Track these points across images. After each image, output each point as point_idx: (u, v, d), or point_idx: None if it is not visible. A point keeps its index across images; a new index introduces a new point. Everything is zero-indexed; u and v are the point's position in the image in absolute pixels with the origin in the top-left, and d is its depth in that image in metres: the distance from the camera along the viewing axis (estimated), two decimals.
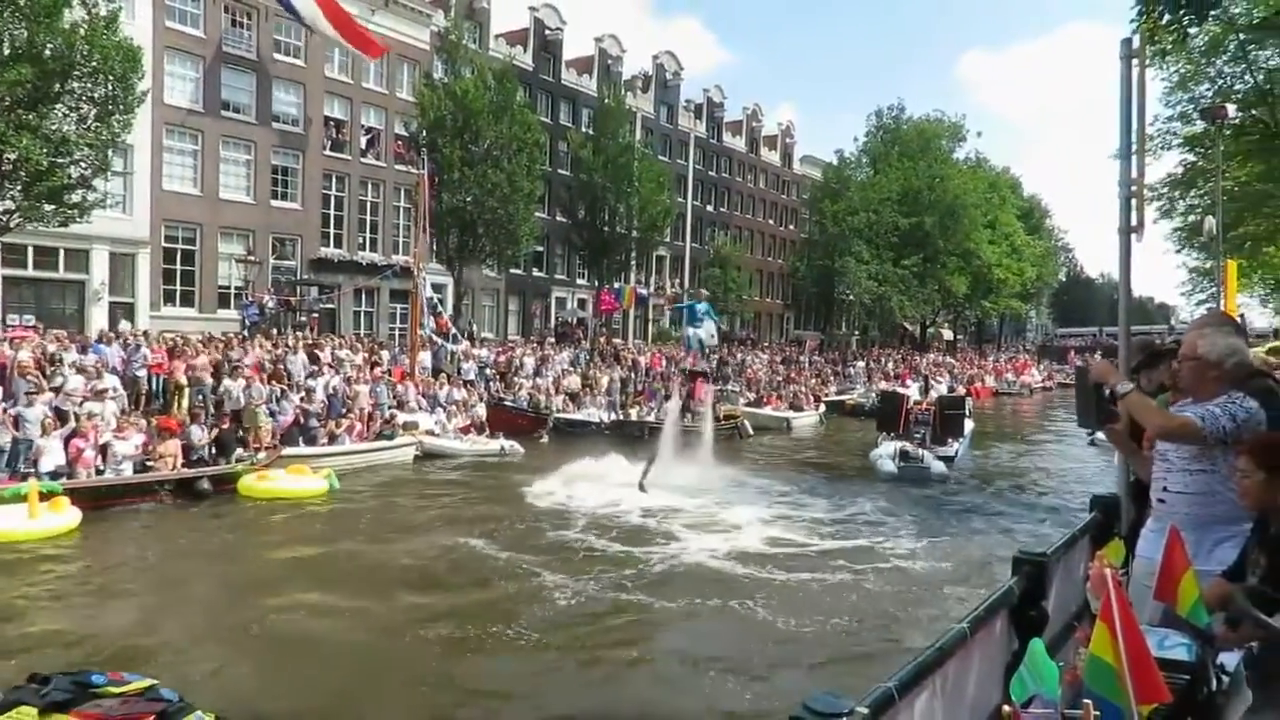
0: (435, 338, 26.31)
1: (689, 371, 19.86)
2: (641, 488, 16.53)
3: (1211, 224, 18.31)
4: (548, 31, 42.05)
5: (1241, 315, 36.11)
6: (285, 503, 15.03)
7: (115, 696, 5.12)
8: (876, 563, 12.00)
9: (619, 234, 39.64)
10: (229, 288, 29.31)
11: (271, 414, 18.21)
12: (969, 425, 25.11)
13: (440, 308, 28.79)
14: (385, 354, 24.93)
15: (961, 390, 38.27)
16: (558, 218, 41.51)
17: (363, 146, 33.72)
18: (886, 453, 20.66)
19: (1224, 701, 2.39)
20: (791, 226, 60.96)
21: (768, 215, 59.44)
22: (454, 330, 27.68)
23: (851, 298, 55.29)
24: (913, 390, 28.94)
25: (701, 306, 19.61)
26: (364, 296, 33.23)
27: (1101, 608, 1.83)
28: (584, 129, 41.52)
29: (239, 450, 16.64)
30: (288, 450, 17.18)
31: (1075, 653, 2.60)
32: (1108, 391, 3.70)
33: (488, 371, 27.10)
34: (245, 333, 23.63)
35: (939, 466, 20.02)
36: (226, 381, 18.34)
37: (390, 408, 21.03)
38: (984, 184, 62.82)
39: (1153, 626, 2.65)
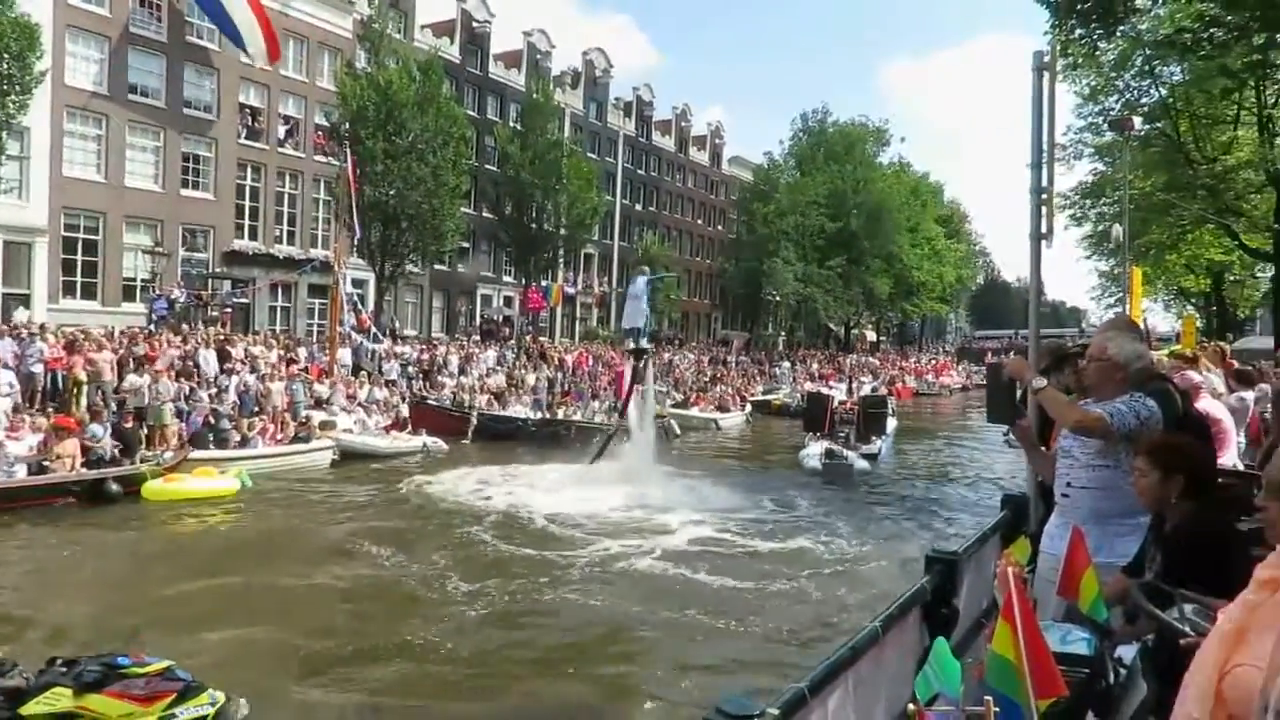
0: (356, 335, 25.76)
1: (635, 350, 19.60)
2: (593, 460, 16.63)
3: (1118, 232, 19.18)
4: (475, 24, 41.59)
5: (1145, 319, 38.02)
6: (193, 505, 14.50)
7: (140, 676, 5.55)
8: (802, 562, 12.16)
9: (546, 231, 39.46)
10: (134, 280, 28.17)
11: (179, 413, 17.57)
12: (891, 423, 25.94)
13: (361, 304, 28.22)
14: (302, 351, 24.38)
15: (884, 390, 39.21)
16: (484, 214, 41.09)
17: (281, 136, 32.81)
18: (813, 451, 21.21)
19: (1120, 694, 2.50)
20: (720, 227, 61.57)
21: (696, 215, 59.91)
22: (375, 328, 27.15)
23: (778, 298, 56.21)
24: (838, 390, 29.70)
25: (641, 280, 19.32)
26: (280, 291, 32.33)
27: (1003, 606, 1.89)
28: (512, 124, 41.20)
29: (143, 451, 15.99)
30: (196, 452, 16.57)
31: (984, 649, 2.67)
32: (1020, 388, 3.83)
33: (410, 370, 26.69)
34: (152, 327, 22.73)
35: (862, 463, 20.67)
36: (131, 377, 17.62)
37: (306, 407, 20.50)
38: (907, 188, 64.56)
39: (1055, 622, 2.75)
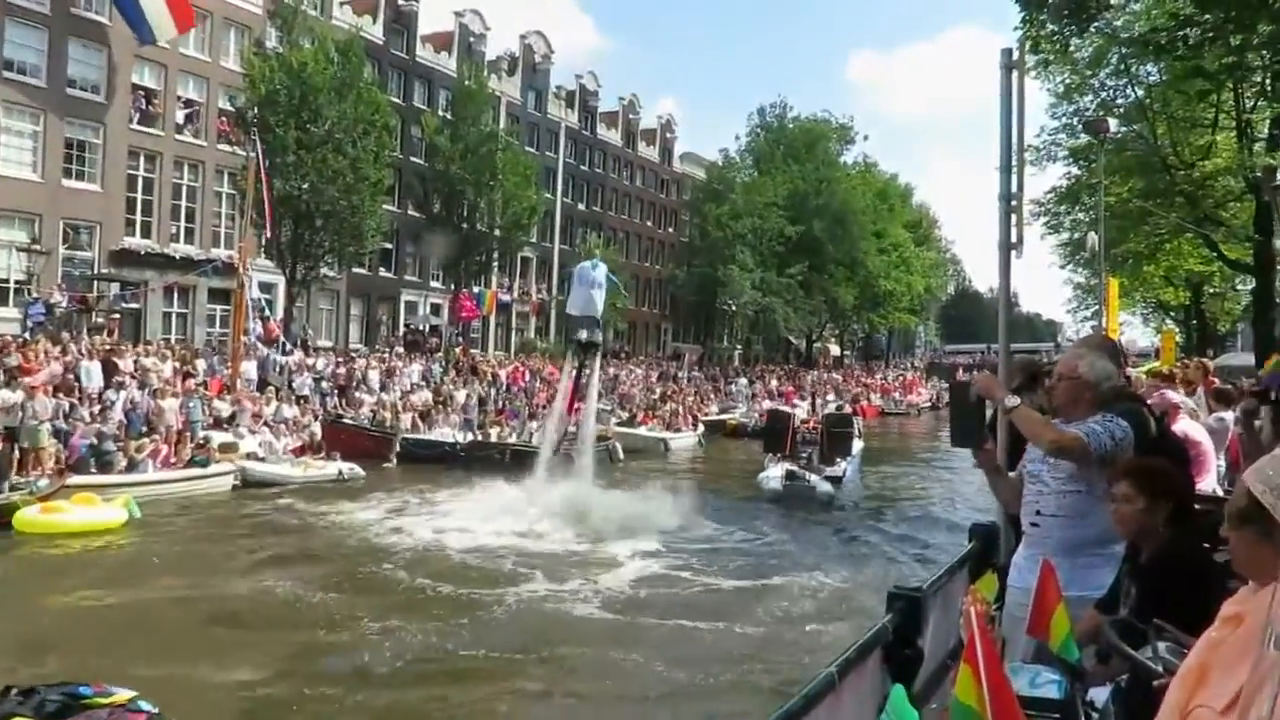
0: (262, 345, 25.35)
1: (582, 343, 19.47)
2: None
3: (1094, 240, 19.77)
4: (401, 1, 41.35)
5: (1122, 333, 39.16)
6: (73, 539, 14.05)
7: (103, 707, 5.85)
8: (759, 599, 12.25)
9: (479, 232, 39.28)
10: (8, 282, 27.29)
11: (57, 434, 17.04)
12: (858, 445, 26.39)
13: (269, 311, 27.75)
14: (201, 364, 23.97)
15: (848, 409, 39.74)
16: (409, 212, 40.76)
17: (179, 122, 32.15)
18: (773, 473, 21.59)
19: None
20: (670, 229, 61.92)
21: (645, 216, 60.19)
22: (284, 338, 26.68)
23: (734, 308, 56.72)
24: (800, 409, 30.24)
25: (602, 269, 19.29)
26: (177, 295, 31.60)
27: (966, 648, 1.92)
28: (441, 113, 40.97)
29: (14, 477, 15.47)
30: (76, 478, 16.08)
31: (949, 694, 2.71)
32: (991, 408, 3.90)
33: (325, 385, 26.41)
34: (27, 335, 22.02)
35: (825, 487, 21.03)
36: (2, 393, 17.04)
37: (204, 427, 20.06)
38: (873, 190, 65.71)
39: (1024, 664, 2.80)
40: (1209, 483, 5.55)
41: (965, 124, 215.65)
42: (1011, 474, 4.01)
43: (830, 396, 43.52)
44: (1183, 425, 5.71)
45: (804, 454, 22.86)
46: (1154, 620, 2.55)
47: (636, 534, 15.70)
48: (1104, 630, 2.76)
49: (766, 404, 39.83)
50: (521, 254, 47.58)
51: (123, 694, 6.05)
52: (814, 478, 21.36)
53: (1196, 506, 4.79)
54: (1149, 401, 4.58)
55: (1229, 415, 7.89)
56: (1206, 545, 3.53)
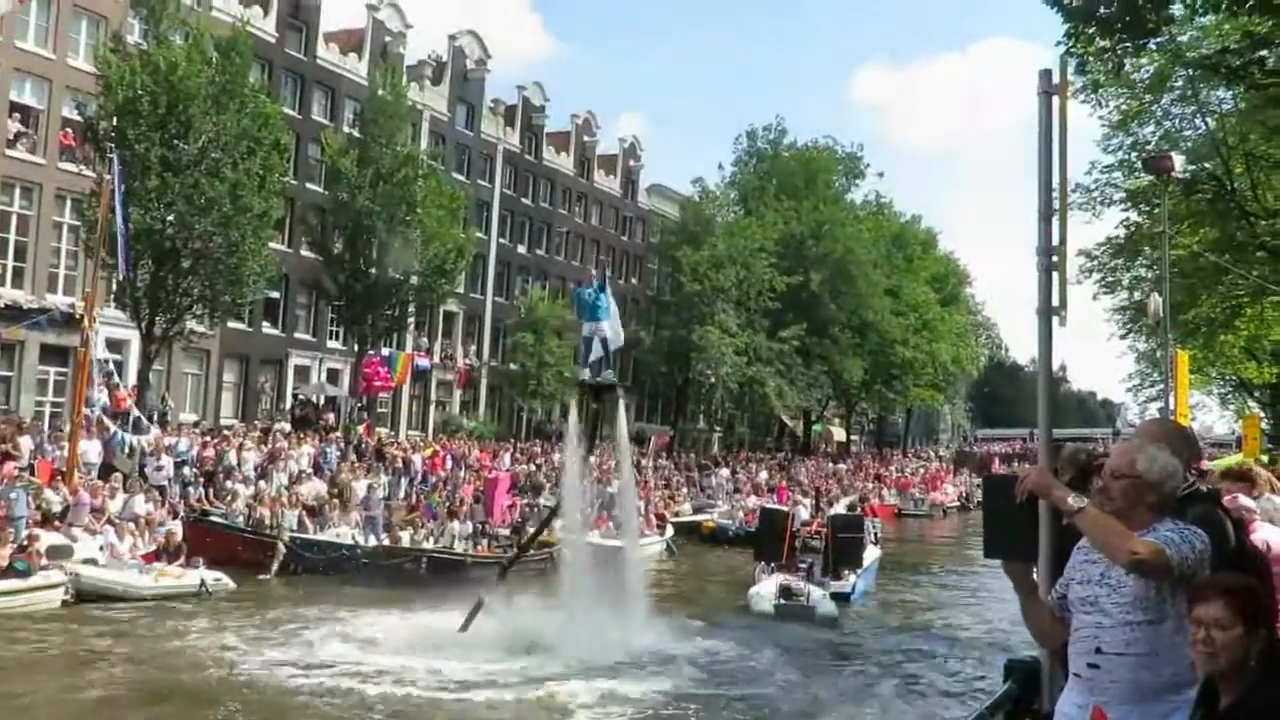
0: (108, 420, 25.00)
1: (589, 385, 19.38)
2: (465, 626, 16.93)
3: (1157, 303, 20.20)
4: None
5: (1194, 418, 39.73)
6: None
7: None
8: None
9: (392, 279, 39.22)
10: None
11: None
12: (872, 553, 26.68)
13: (118, 376, 27.43)
14: (26, 442, 23.68)
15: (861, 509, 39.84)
16: (303, 252, 40.72)
17: (10, 135, 32.06)
18: (765, 589, 21.77)
19: None
20: (634, 280, 62.36)
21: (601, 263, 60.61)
22: (137, 414, 26.48)
23: (713, 380, 56.93)
24: (802, 509, 30.23)
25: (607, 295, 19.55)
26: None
27: None
28: (347, 129, 41.19)
29: None
30: None
31: None
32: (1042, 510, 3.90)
33: (187, 472, 26.14)
34: None
35: (827, 606, 21.23)
36: None
37: (30, 524, 19.68)
38: (887, 236, 66.82)
39: None
40: None
41: (999, 159, 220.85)
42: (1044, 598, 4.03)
43: (837, 493, 43.64)
44: (1264, 534, 5.80)
45: (804, 564, 23.06)
46: None
47: (590, 667, 15.68)
48: None
49: (753, 501, 39.81)
50: (445, 308, 47.58)
51: None
52: (815, 593, 21.46)
53: None
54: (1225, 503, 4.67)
55: None
56: None
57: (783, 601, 21.02)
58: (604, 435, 19.15)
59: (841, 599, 22.20)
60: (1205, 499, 4.15)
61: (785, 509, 28.48)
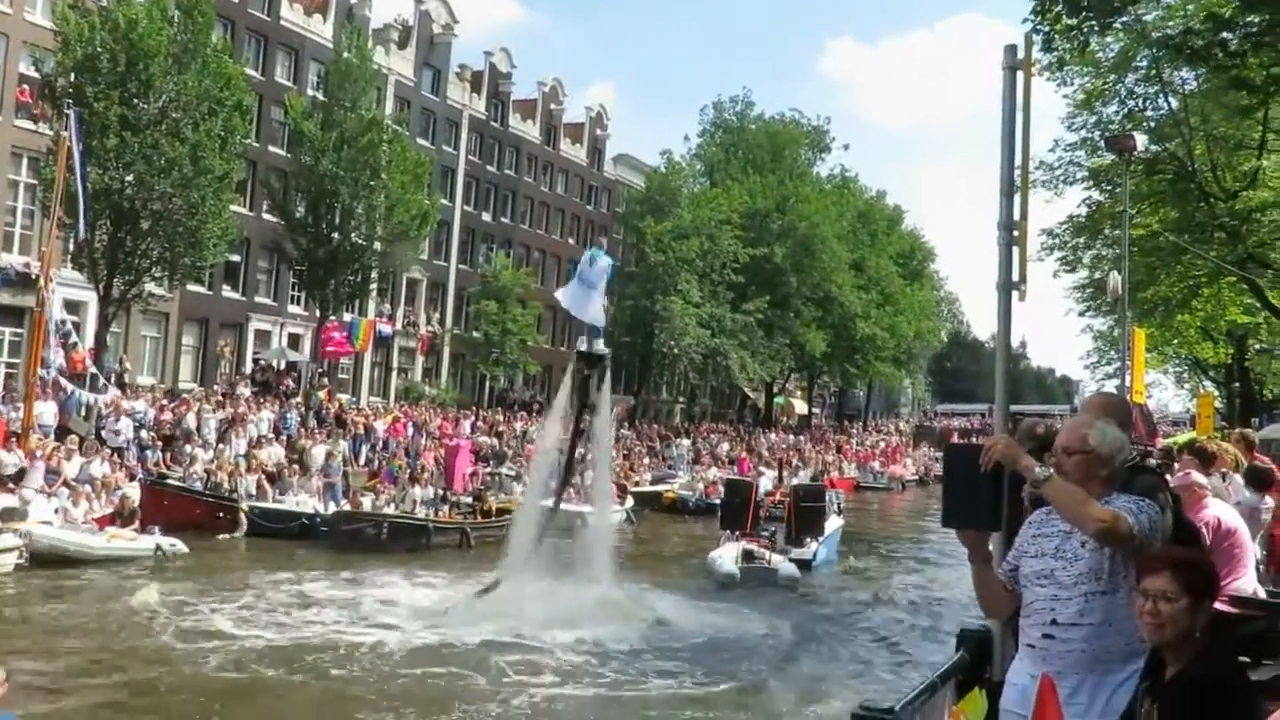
0: (65, 381, 24.75)
1: (585, 355, 19.38)
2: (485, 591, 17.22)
3: (1116, 281, 20.40)
4: None
5: (1150, 395, 40.24)
6: None
7: None
8: (700, 714, 12.34)
9: (355, 245, 38.93)
10: None
11: None
12: (834, 522, 27.31)
13: (76, 337, 27.09)
14: None
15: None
16: (264, 215, 40.39)
17: None
18: (726, 553, 22.41)
19: None
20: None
21: (567, 232, 60.46)
22: (95, 371, 26.22)
23: (675, 351, 56.98)
24: (766, 479, 31.33)
25: (604, 261, 19.70)
26: None
27: None
28: (311, 92, 40.75)
29: None
30: None
31: None
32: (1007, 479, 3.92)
33: (145, 435, 25.98)
34: None
35: (788, 569, 21.99)
36: None
37: None
38: (852, 211, 66.98)
39: None
40: (1246, 582, 5.71)
41: (964, 137, 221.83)
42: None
43: (799, 464, 44.00)
44: (1214, 510, 5.88)
45: (767, 532, 23.73)
46: None
47: (556, 637, 15.73)
48: None
49: (714, 473, 40.01)
50: (408, 274, 47.30)
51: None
52: (776, 559, 22.26)
53: (1233, 611, 4.96)
54: (1172, 481, 4.74)
55: (1268, 502, 8.17)
56: (1244, 659, 3.65)
57: (746, 565, 21.66)
58: (588, 404, 19.21)
59: (803, 565, 22.79)
60: (1149, 472, 4.21)
61: (750, 479, 29.19)
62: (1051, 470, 3.70)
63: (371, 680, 13.22)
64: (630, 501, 34.52)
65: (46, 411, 23.87)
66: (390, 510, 25.64)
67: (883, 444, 68.21)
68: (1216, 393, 42.65)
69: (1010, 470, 3.77)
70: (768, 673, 14.55)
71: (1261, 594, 5.77)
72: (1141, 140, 21.62)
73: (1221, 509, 6.01)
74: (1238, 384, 41.01)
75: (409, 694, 12.69)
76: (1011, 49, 4.52)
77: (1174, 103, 24.54)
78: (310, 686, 12.94)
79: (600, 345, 19.74)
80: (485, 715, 12.01)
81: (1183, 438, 21.57)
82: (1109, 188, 27.40)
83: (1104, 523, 3.50)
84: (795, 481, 30.98)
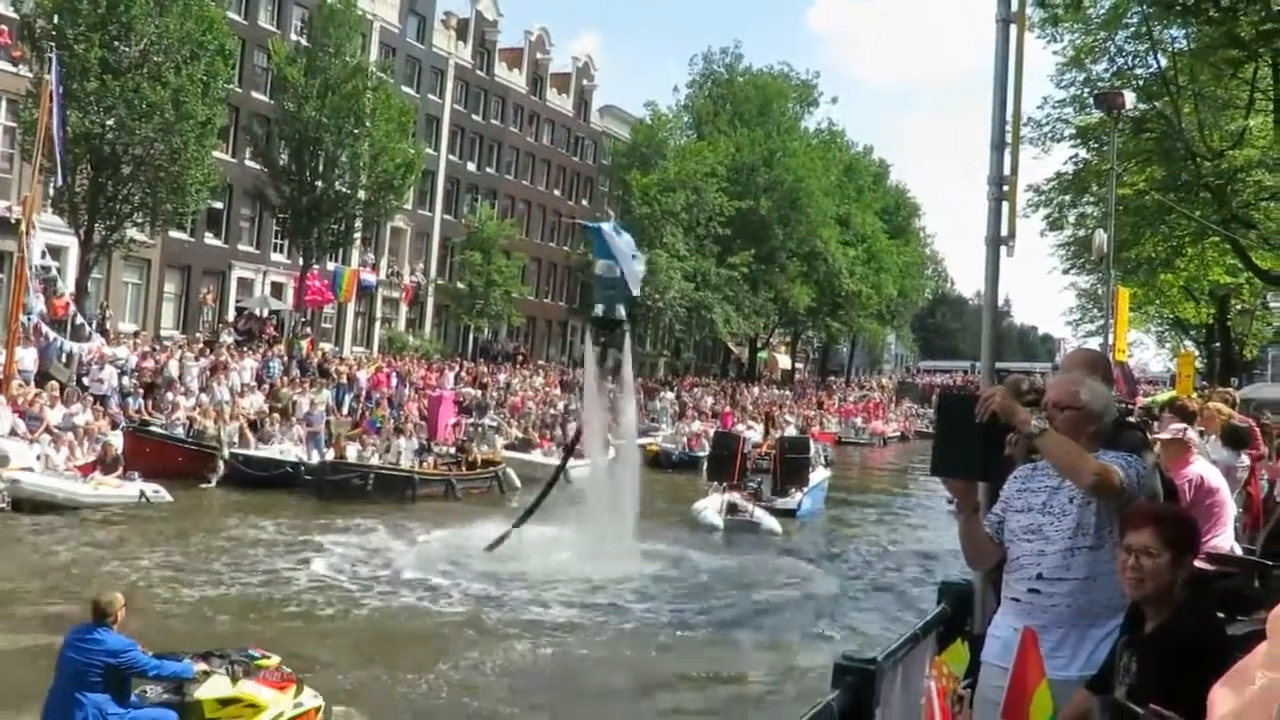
0: (47, 328, 24.65)
1: (601, 320, 19.77)
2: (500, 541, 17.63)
3: (1102, 239, 20.45)
4: None
5: (1132, 355, 40.50)
6: None
7: (268, 668, 8.71)
8: (681, 668, 12.55)
9: (339, 193, 38.71)
10: None
11: None
12: (821, 474, 27.99)
13: (59, 282, 26.93)
14: None
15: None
16: (247, 162, 40.08)
17: None
18: (711, 503, 23.00)
19: None
20: (584, 201, 62.00)
21: (552, 183, 60.19)
22: (81, 320, 26.09)
23: (660, 304, 56.96)
24: (754, 432, 32.21)
25: (626, 237, 19.99)
26: None
27: None
28: (294, 37, 40.29)
29: None
30: None
31: None
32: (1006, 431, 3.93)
33: (128, 382, 25.92)
34: None
35: (770, 522, 22.57)
36: None
37: None
38: (838, 166, 66.83)
39: None
40: (1225, 539, 5.77)
41: (953, 95, 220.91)
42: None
43: (788, 418, 44.29)
44: (1199, 468, 5.94)
45: (753, 483, 24.52)
46: (1150, 705, 2.65)
47: (530, 585, 15.95)
48: (1093, 715, 2.86)
49: (697, 426, 40.15)
50: (392, 224, 47.04)
51: (274, 659, 8.92)
52: (759, 511, 22.84)
53: (1212, 568, 5.02)
54: (1160, 434, 4.76)
55: (1243, 460, 8.25)
56: (1221, 615, 3.69)
57: (729, 517, 22.24)
58: (610, 367, 19.72)
59: (787, 515, 23.50)
60: (1134, 429, 4.23)
61: (737, 432, 29.79)
62: (1047, 424, 3.70)
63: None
64: (613, 453, 34.59)
65: (27, 357, 23.77)
66: (375, 461, 25.70)
67: (865, 400, 68.50)
68: (1197, 352, 42.91)
69: (1005, 422, 3.76)
70: (749, 625, 14.68)
71: (1239, 551, 5.84)
72: (1130, 98, 21.61)
73: (1205, 467, 6.07)
74: (1218, 344, 41.23)
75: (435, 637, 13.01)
76: (1006, 1, 4.49)
77: (1163, 61, 24.48)
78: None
79: (620, 310, 19.65)
80: (492, 656, 12.29)
81: (1162, 396, 21.76)
82: (1096, 146, 27.37)
83: (1099, 476, 3.52)
84: (781, 435, 31.43)
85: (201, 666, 8.27)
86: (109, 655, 7.60)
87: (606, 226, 20.27)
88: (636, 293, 20.92)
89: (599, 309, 19.90)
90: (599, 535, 18.47)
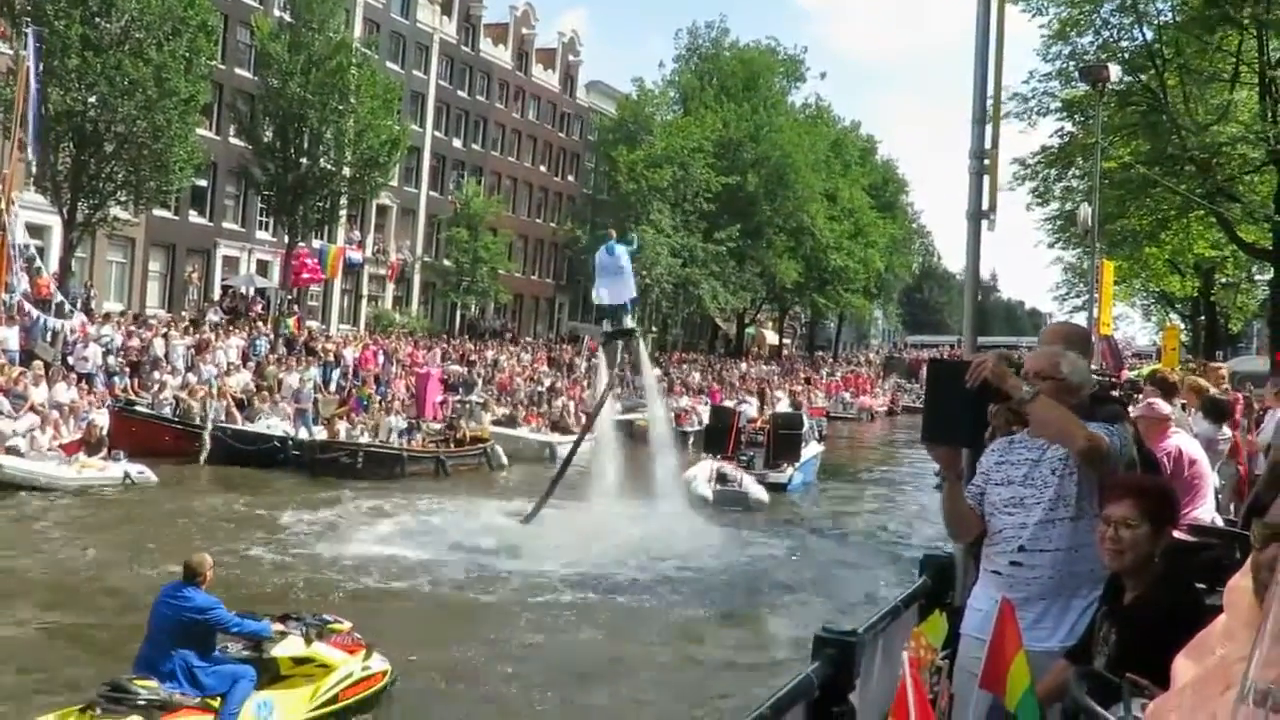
0: (30, 307, 24.54)
1: (613, 334, 21.29)
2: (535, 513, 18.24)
3: (1087, 213, 20.49)
4: None
5: (1117, 328, 40.65)
6: None
7: (340, 632, 9.54)
8: (661, 640, 12.67)
9: (324, 170, 38.56)
10: None
11: None
12: (813, 449, 28.43)
13: (40, 262, 26.81)
14: None
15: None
16: (231, 139, 39.86)
17: None
18: (702, 472, 23.33)
19: None
20: (571, 177, 61.84)
21: (539, 159, 59.98)
22: (61, 299, 25.98)
23: (648, 280, 56.93)
24: (749, 407, 33.13)
25: (620, 249, 21.04)
26: None
27: (895, 701, 1.98)
28: (278, 12, 40.01)
29: None
30: None
31: None
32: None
33: (113, 361, 25.83)
34: None
35: (757, 491, 23.06)
36: None
37: None
38: (825, 142, 66.67)
39: None
40: (1205, 511, 5.80)
41: (939, 69, 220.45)
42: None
43: (781, 395, 44.34)
44: (1177, 440, 5.95)
45: (745, 456, 25.37)
46: (1127, 675, 2.66)
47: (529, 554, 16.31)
48: (1071, 686, 2.87)
49: (685, 402, 40.16)
50: (378, 201, 46.85)
51: (346, 625, 9.74)
52: (747, 480, 23.34)
53: (1191, 539, 5.04)
54: (1135, 410, 4.78)
55: (1225, 433, 8.29)
56: (1202, 586, 3.71)
57: (719, 487, 22.62)
58: (625, 369, 21.15)
59: (778, 488, 24.06)
60: (1112, 402, 4.24)
61: (732, 406, 30.92)
62: (1038, 389, 3.67)
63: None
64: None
65: (10, 337, 23.65)
66: (364, 439, 25.68)
67: (853, 375, 68.53)
68: (1183, 326, 43.09)
69: (996, 387, 3.73)
70: (734, 596, 14.81)
71: (1220, 523, 5.86)
72: (1115, 71, 21.63)
73: (1183, 439, 6.09)
74: (1203, 318, 41.41)
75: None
76: None
77: (1149, 34, 24.49)
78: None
79: (628, 321, 21.26)
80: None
81: (1147, 369, 21.86)
82: (1081, 119, 27.41)
83: (1091, 441, 3.53)
84: (775, 409, 32.32)
85: (278, 627, 9.02)
86: (196, 611, 8.32)
87: (601, 252, 21.41)
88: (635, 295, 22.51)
89: (607, 324, 21.52)
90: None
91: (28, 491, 18.61)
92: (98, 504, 18.78)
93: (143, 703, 7.86)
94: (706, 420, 30.43)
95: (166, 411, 24.39)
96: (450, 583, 14.60)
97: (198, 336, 29.15)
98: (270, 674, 8.88)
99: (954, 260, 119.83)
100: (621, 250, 21.07)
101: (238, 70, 40.02)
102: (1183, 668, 2.00)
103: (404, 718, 9.96)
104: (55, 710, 7.98)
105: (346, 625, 9.71)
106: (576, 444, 21.81)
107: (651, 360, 51.87)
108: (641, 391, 43.91)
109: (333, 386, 30.86)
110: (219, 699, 8.24)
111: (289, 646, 9.00)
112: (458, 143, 53.85)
